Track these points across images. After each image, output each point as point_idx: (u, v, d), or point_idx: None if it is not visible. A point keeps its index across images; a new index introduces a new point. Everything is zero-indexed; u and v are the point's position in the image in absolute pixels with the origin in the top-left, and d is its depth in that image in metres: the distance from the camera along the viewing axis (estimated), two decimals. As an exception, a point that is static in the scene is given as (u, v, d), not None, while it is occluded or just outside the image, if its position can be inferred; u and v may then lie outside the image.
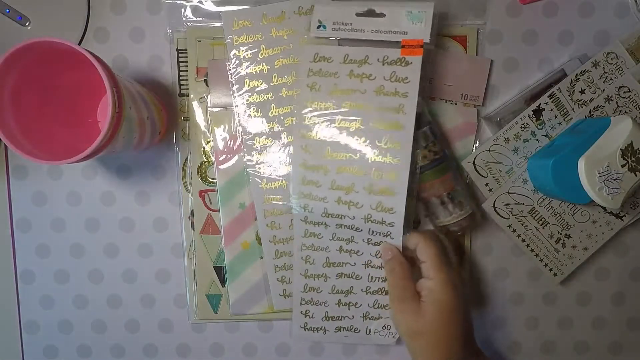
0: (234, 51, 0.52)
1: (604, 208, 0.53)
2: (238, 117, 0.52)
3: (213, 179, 0.54)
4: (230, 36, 0.51)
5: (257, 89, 0.52)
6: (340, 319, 0.54)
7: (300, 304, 0.53)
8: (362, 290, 0.53)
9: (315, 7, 0.51)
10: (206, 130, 0.53)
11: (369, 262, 0.52)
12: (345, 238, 0.51)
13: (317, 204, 0.50)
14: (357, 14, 0.50)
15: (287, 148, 0.52)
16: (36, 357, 0.57)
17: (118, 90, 0.40)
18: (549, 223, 0.53)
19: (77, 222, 0.55)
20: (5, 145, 0.53)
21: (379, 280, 0.52)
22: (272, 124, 0.52)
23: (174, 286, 0.56)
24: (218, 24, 0.52)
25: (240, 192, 0.54)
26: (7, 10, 0.50)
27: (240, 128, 0.52)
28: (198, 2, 0.52)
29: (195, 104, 0.53)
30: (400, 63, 0.49)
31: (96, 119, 0.52)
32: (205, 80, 0.53)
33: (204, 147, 0.54)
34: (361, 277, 0.52)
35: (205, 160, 0.54)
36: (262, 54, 0.52)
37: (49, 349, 0.57)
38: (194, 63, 0.53)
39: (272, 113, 0.52)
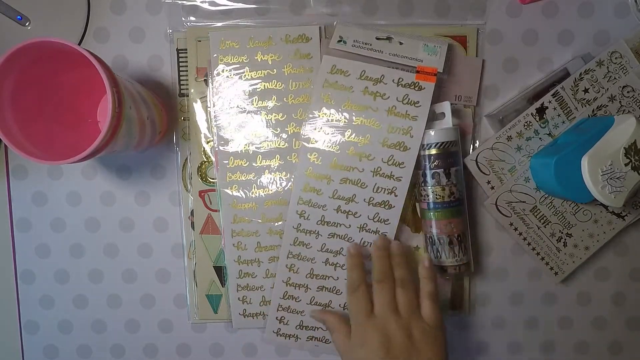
0: (217, 69, 0.52)
1: (606, 207, 0.53)
2: (216, 134, 0.52)
3: (213, 179, 0.54)
4: (215, 54, 0.52)
5: (236, 110, 0.52)
6: (314, 329, 0.54)
7: (277, 309, 0.54)
8: (339, 305, 0.53)
9: (337, 25, 0.51)
10: (206, 131, 0.53)
11: None
12: (334, 250, 0.52)
13: (316, 211, 0.52)
14: (377, 38, 0.51)
15: (262, 171, 0.52)
16: (36, 357, 0.57)
17: (118, 90, 0.40)
18: (550, 222, 0.53)
19: (77, 222, 0.55)
20: (5, 145, 0.53)
21: None
22: (248, 146, 0.52)
23: (174, 286, 0.56)
24: (218, 24, 0.52)
25: (241, 192, 0.54)
26: (7, 11, 0.50)
27: (217, 145, 0.52)
28: (201, 1, 0.52)
29: (195, 104, 0.53)
30: (414, 87, 0.50)
31: (96, 119, 0.52)
32: (205, 80, 0.53)
33: (204, 147, 0.53)
34: (341, 293, 0.53)
35: (205, 160, 0.54)
36: (245, 75, 0.52)
37: (49, 349, 0.57)
38: (194, 63, 0.53)
39: (248, 135, 0.52)
